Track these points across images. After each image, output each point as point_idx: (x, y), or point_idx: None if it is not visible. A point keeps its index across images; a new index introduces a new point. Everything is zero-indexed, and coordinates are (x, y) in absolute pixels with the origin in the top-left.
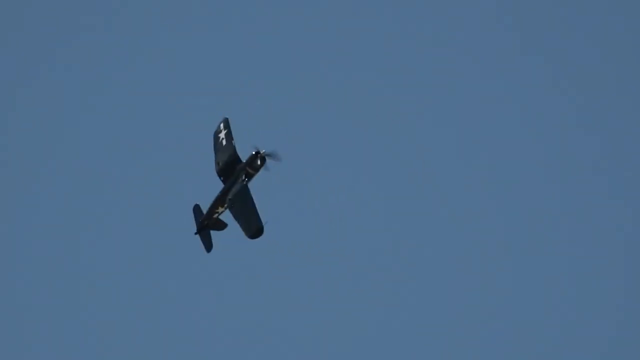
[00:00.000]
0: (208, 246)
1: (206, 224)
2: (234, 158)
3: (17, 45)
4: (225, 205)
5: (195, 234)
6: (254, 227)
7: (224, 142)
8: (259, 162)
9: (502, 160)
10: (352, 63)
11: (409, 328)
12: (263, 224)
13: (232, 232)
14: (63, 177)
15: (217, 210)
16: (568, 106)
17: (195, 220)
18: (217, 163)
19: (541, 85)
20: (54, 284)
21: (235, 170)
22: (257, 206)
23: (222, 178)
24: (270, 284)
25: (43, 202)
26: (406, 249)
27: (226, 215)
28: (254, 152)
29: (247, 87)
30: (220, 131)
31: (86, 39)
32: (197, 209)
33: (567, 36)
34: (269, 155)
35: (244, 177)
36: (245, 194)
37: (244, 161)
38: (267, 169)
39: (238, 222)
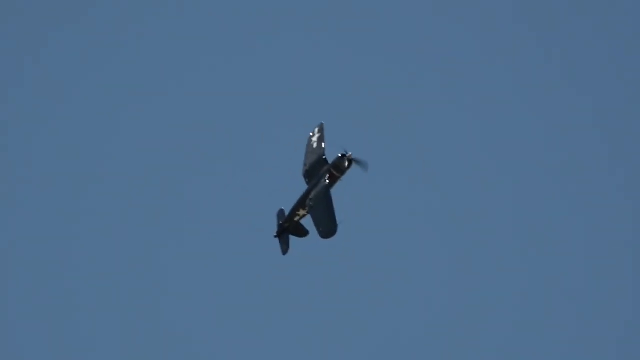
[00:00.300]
0: (284, 249)
1: (287, 227)
2: (321, 159)
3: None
4: (307, 209)
5: (275, 237)
6: (327, 228)
7: (315, 145)
8: (345, 165)
9: (507, 159)
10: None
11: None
12: (338, 224)
13: (311, 238)
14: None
15: (298, 213)
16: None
17: (278, 223)
18: (304, 165)
19: (550, 83)
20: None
21: (320, 171)
22: (335, 209)
23: (307, 180)
24: (346, 287)
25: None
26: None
27: (309, 223)
28: (340, 154)
29: (337, 90)
30: (314, 135)
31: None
32: (281, 213)
33: (574, 34)
34: (356, 160)
35: (326, 179)
36: (325, 195)
37: (330, 163)
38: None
39: (314, 222)
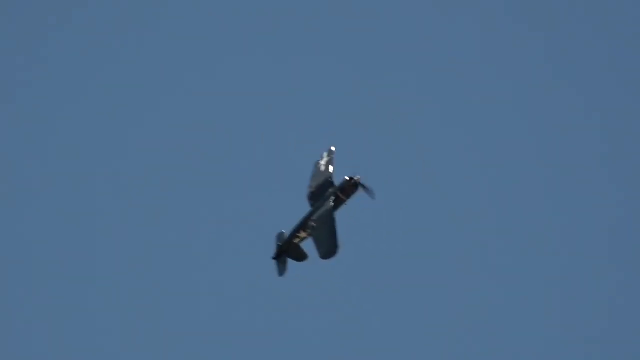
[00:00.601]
0: (281, 271)
1: (285, 249)
2: (328, 182)
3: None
4: (308, 230)
5: (273, 259)
6: (328, 248)
7: (322, 169)
8: (352, 188)
9: (503, 161)
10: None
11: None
12: (339, 246)
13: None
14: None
15: (299, 235)
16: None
17: (277, 245)
18: (309, 187)
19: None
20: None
21: (325, 193)
22: (338, 232)
23: (311, 202)
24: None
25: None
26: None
27: (310, 247)
28: (348, 177)
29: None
30: (323, 158)
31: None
32: (280, 235)
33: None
34: (364, 186)
35: (332, 202)
36: (329, 216)
37: (337, 185)
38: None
39: (315, 242)
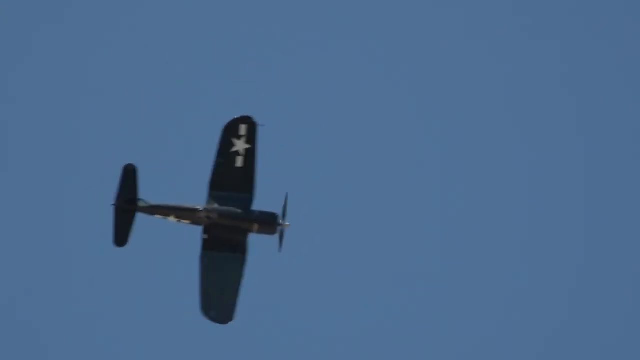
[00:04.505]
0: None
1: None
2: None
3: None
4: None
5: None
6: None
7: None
8: (270, 229)
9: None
10: None
11: None
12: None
13: None
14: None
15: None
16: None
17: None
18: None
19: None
20: None
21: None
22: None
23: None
24: None
25: None
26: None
27: None
28: (277, 216)
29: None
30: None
31: None
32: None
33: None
34: (281, 236)
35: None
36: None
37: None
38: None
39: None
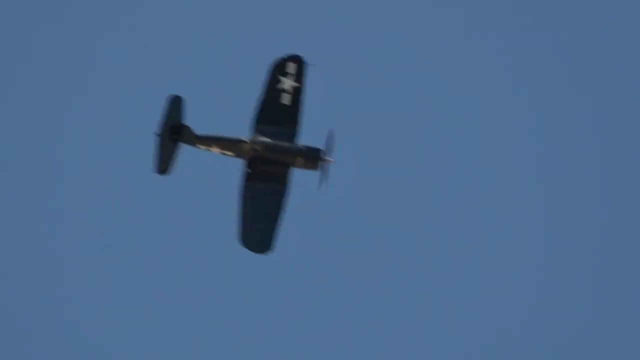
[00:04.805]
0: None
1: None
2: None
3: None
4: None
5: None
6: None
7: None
8: (315, 163)
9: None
10: None
11: None
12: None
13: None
14: None
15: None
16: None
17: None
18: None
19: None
20: None
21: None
22: None
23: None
24: None
25: None
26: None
27: None
28: (322, 150)
29: None
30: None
31: None
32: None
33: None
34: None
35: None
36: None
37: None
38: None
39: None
